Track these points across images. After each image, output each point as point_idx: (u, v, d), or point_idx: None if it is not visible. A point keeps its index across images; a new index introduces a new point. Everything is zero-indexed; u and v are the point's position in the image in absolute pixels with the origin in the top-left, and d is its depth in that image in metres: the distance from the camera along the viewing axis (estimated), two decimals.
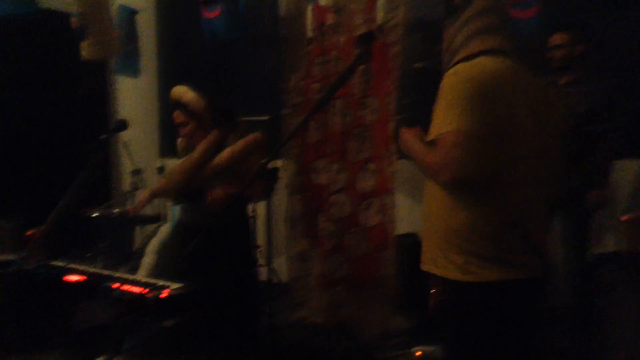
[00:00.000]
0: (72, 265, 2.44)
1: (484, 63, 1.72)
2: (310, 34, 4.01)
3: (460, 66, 1.73)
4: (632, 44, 3.92)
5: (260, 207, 4.58)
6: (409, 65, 4.11)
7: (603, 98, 3.38)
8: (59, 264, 2.47)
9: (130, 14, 4.49)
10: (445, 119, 1.67)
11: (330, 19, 3.86)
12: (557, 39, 3.46)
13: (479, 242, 1.71)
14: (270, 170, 2.04)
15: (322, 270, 3.95)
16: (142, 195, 3.13)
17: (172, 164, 5.01)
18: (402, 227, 4.16)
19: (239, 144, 2.85)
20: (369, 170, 3.83)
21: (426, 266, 1.88)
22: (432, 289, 3.50)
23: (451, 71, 1.73)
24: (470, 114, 1.64)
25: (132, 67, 4.54)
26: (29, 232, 2.61)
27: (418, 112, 4.40)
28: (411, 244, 4.00)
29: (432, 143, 1.73)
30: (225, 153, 2.83)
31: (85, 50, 3.91)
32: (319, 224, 4.02)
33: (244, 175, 2.80)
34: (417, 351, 3.29)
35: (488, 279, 1.70)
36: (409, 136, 1.87)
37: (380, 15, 3.71)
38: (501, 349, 1.75)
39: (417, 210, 4.35)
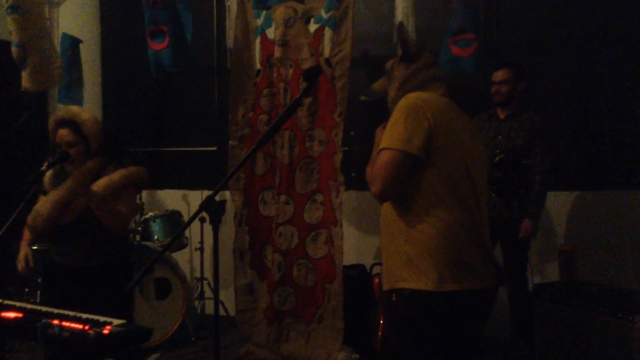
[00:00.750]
0: (9, 302, 2.33)
1: (433, 95, 1.98)
2: (257, 66, 4.05)
3: (413, 93, 1.96)
4: (554, 85, 4.17)
5: (208, 239, 4.53)
6: (355, 98, 4.21)
7: (536, 133, 3.55)
8: None
9: (74, 42, 4.42)
10: (387, 135, 1.86)
11: (277, 52, 3.91)
12: (502, 74, 3.64)
13: (445, 253, 1.82)
14: (217, 202, 2.02)
15: (269, 303, 3.91)
16: (21, 251, 2.82)
17: None
18: (350, 258, 4.19)
19: (117, 174, 2.66)
20: (316, 202, 3.85)
21: (391, 284, 1.94)
22: (381, 320, 3.54)
23: (405, 95, 1.95)
24: (403, 135, 1.83)
25: (75, 97, 4.44)
26: None
27: (364, 144, 4.48)
28: (359, 275, 4.02)
29: None
30: (102, 182, 2.62)
31: (26, 79, 3.79)
32: (267, 255, 4.00)
33: (116, 208, 2.64)
34: None
35: (455, 288, 1.81)
36: (379, 137, 2.04)
37: (326, 49, 3.79)
38: (459, 350, 1.89)
39: (365, 241, 4.45)
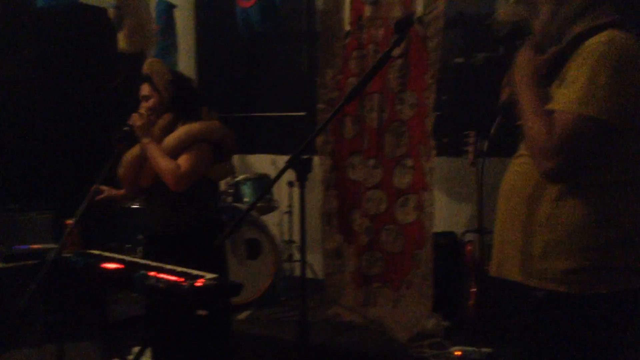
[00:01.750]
0: (109, 254, 2.45)
1: (629, 37, 1.45)
2: (347, 27, 3.97)
3: (610, 34, 1.43)
4: None
5: (296, 202, 4.57)
6: (449, 60, 4.03)
7: None
8: (97, 252, 2.48)
9: (168, 8, 4.52)
10: (576, 92, 1.39)
11: (367, 11, 3.81)
12: None
13: (607, 249, 1.45)
14: (303, 160, 1.99)
15: (357, 267, 3.90)
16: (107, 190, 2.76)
17: None
18: (440, 225, 4.08)
19: (179, 131, 2.56)
20: (406, 166, 3.76)
21: (509, 274, 1.60)
22: (472, 288, 3.42)
23: (600, 38, 1.43)
24: (613, 99, 1.37)
25: (170, 62, 4.55)
26: (68, 222, 2.62)
27: (457, 109, 4.29)
28: (449, 243, 3.92)
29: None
30: (166, 140, 2.56)
31: (122, 41, 3.93)
32: (355, 219, 3.98)
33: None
34: (456, 351, 3.22)
35: (606, 290, 1.45)
36: (525, 71, 1.52)
37: (419, 8, 3.64)
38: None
39: (456, 208, 4.31)
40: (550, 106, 1.45)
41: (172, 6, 4.53)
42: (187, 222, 2.62)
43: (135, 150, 2.61)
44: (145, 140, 2.52)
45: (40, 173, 4.26)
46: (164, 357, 2.53)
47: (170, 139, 2.56)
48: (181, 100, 2.63)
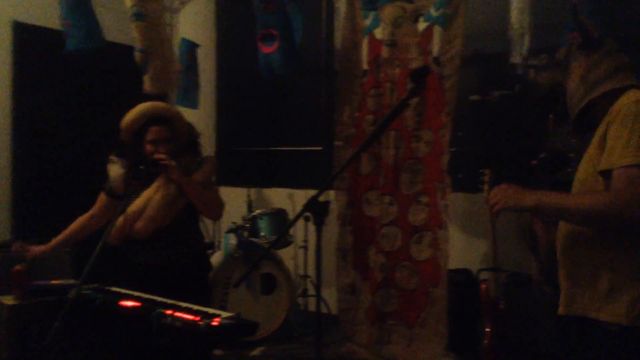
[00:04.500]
0: (128, 291, 2.49)
1: None
2: (365, 66, 4.04)
3: (634, 93, 1.70)
4: None
5: (312, 237, 4.60)
6: (465, 97, 4.07)
7: None
8: (115, 289, 2.53)
9: (191, 47, 4.64)
10: (625, 148, 1.61)
11: (385, 52, 3.88)
12: None
13: None
14: (321, 203, 2.04)
15: (371, 304, 3.90)
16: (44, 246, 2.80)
17: (230, 193, 5.12)
18: (456, 262, 4.07)
19: (207, 168, 2.71)
20: (421, 203, 3.78)
21: (573, 310, 1.78)
22: (487, 328, 3.40)
23: (628, 99, 1.68)
24: None
25: (191, 99, 4.67)
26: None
27: (473, 145, 4.30)
28: (465, 280, 3.90)
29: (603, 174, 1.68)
30: (198, 177, 2.67)
31: (147, 83, 4.03)
32: (370, 256, 3.99)
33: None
34: None
35: None
36: (548, 198, 1.76)
37: (435, 48, 3.70)
38: None
39: (472, 246, 4.30)
40: (605, 166, 1.64)
41: (195, 45, 4.65)
42: (194, 252, 2.78)
43: (165, 193, 2.61)
44: (185, 179, 2.60)
45: (60, 208, 4.33)
46: None
47: (200, 176, 2.69)
48: (192, 142, 2.81)
